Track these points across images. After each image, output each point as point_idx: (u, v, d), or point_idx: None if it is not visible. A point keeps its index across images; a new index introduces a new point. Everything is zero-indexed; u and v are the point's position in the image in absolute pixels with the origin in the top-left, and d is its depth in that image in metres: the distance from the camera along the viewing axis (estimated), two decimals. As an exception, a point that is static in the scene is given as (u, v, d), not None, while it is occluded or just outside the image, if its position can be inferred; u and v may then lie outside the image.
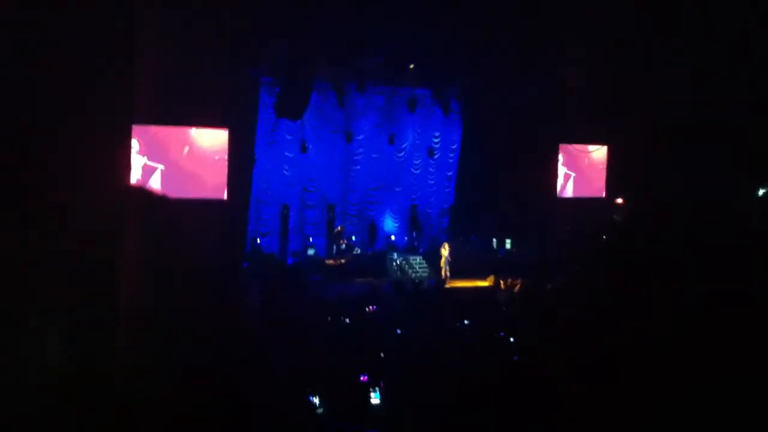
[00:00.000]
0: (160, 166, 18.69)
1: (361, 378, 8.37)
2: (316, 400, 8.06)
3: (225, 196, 19.18)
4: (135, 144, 18.09)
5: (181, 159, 19.04)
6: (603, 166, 25.97)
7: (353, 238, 24.54)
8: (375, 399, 8.36)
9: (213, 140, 19.40)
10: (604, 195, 25.85)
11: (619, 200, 25.67)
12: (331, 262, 22.94)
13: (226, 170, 19.20)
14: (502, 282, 18.98)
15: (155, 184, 18.33)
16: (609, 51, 20.57)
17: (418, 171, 26.25)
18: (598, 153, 25.96)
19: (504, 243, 25.04)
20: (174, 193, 17.81)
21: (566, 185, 25.48)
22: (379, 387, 8.39)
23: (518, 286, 17.72)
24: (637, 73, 21.27)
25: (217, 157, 19.13)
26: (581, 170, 25.67)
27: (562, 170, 25.33)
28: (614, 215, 25.32)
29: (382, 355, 10.04)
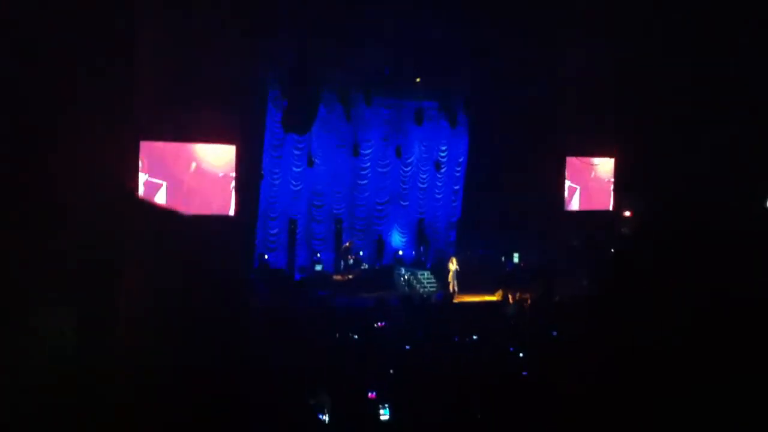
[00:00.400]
0: (164, 183, 18.70)
1: (369, 395, 8.25)
2: (325, 418, 7.95)
3: (230, 212, 19.16)
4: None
5: (185, 175, 19.05)
6: (608, 179, 25.90)
7: (361, 252, 24.43)
8: (384, 415, 8.23)
9: (217, 157, 19.44)
10: (610, 208, 25.78)
11: (627, 213, 25.56)
12: (338, 277, 22.84)
13: (230, 186, 19.20)
14: (510, 296, 18.80)
15: (160, 200, 18.33)
16: (617, 65, 20.51)
17: (425, 185, 26.17)
18: (604, 166, 25.89)
19: (512, 256, 24.91)
20: (179, 209, 17.83)
21: (572, 198, 25.42)
22: (388, 403, 8.27)
23: (528, 301, 17.56)
24: (645, 89, 21.19)
25: (221, 174, 19.12)
26: (586, 183, 25.62)
27: (566, 184, 25.31)
28: (622, 228, 25.21)
29: (391, 371, 9.92)
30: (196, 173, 19.21)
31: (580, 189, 25.49)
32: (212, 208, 18.92)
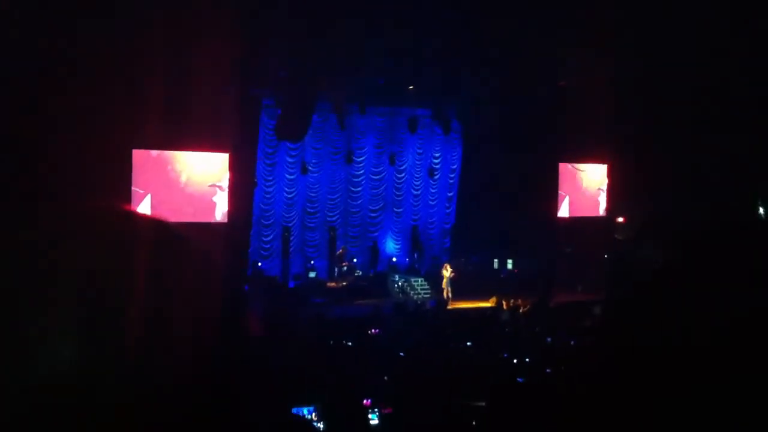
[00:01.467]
0: (148, 193, 18.73)
1: (365, 402, 8.26)
2: (320, 425, 7.96)
3: (214, 219, 19.22)
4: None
5: (171, 185, 19.08)
6: (597, 186, 25.98)
7: (354, 260, 24.45)
8: (373, 420, 8.23)
9: (204, 166, 19.55)
10: (599, 214, 25.82)
11: (621, 219, 25.63)
12: (332, 284, 22.84)
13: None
14: (504, 302, 18.85)
15: (145, 209, 18.36)
16: (611, 70, 20.58)
17: (418, 191, 26.23)
18: (592, 172, 25.94)
19: (506, 263, 24.95)
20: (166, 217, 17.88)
21: (561, 205, 25.48)
22: (379, 409, 8.27)
23: (522, 307, 17.60)
24: (639, 95, 21.25)
25: (208, 184, 19.23)
26: (574, 190, 25.66)
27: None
28: (616, 234, 25.28)
29: (385, 378, 9.92)
30: (180, 183, 19.26)
31: (569, 195, 25.56)
32: (196, 218, 18.93)
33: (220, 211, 19.79)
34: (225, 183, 19.93)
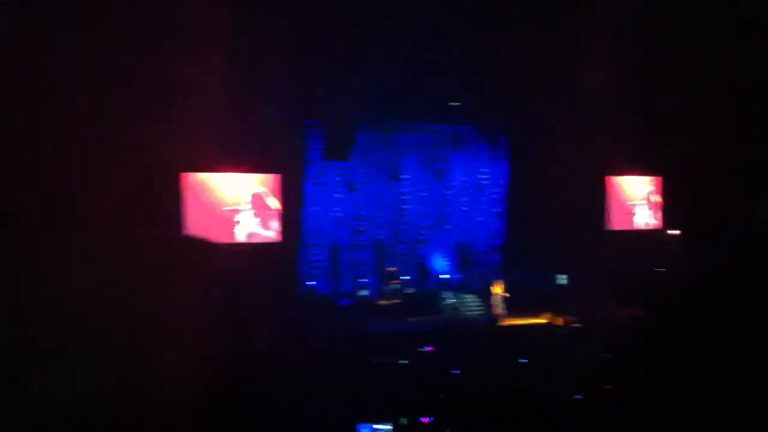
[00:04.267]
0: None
1: (423, 420, 8.25)
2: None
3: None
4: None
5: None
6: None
7: (406, 277, 24.46)
8: None
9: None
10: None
11: (674, 232, 25.24)
12: (383, 302, 22.84)
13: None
14: (558, 318, 18.64)
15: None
16: (656, 80, 20.34)
17: (467, 208, 26.17)
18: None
19: (558, 278, 24.66)
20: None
21: (611, 218, 25.29)
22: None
23: (576, 323, 17.39)
24: (688, 105, 20.96)
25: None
26: (617, 203, 25.48)
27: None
28: (668, 248, 24.90)
29: (442, 396, 9.90)
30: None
31: (613, 208, 25.39)
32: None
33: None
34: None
